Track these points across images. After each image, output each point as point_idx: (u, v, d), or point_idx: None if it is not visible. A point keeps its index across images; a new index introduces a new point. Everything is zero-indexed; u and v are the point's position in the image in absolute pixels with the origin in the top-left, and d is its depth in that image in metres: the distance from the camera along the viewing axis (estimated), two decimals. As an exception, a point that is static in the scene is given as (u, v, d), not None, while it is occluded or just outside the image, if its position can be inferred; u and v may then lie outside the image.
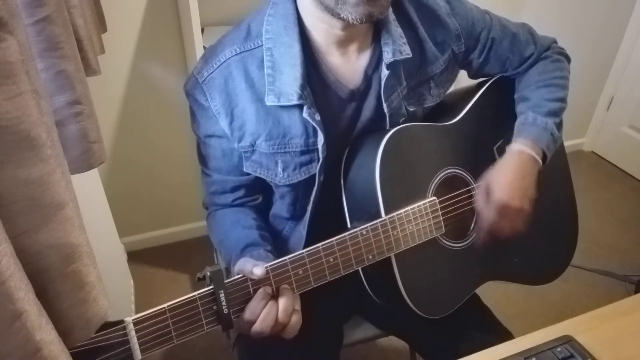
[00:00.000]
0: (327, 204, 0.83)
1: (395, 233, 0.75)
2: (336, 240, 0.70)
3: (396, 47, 0.78)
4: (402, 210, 0.75)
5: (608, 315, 0.73)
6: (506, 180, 0.81)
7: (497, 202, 0.80)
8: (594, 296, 1.75)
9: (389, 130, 0.79)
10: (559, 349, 0.66)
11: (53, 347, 0.39)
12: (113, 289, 1.38)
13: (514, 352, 0.67)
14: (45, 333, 0.39)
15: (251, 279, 0.65)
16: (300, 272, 0.68)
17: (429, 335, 0.91)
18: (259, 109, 0.77)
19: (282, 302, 0.66)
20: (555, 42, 0.98)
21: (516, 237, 0.82)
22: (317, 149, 0.78)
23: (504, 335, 0.87)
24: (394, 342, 1.20)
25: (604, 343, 0.68)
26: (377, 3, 0.68)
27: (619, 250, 1.96)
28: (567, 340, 0.68)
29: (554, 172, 0.98)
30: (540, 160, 0.85)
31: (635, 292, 1.73)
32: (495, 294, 1.01)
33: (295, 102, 0.74)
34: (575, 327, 0.71)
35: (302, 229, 0.85)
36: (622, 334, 0.70)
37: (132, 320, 0.59)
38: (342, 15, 0.68)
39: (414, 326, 0.92)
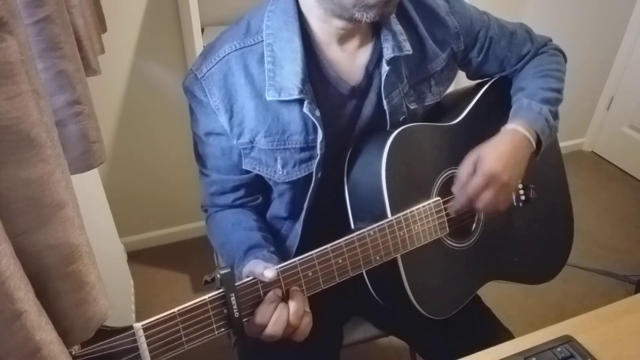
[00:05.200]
0: (324, 201, 0.83)
1: (401, 234, 0.75)
2: (344, 241, 0.70)
3: (396, 43, 0.79)
4: (407, 211, 0.75)
5: (608, 315, 0.73)
6: (499, 154, 0.80)
7: (487, 170, 0.78)
8: (594, 296, 1.75)
9: (393, 131, 0.79)
10: (559, 349, 0.66)
11: (53, 347, 0.39)
12: (113, 289, 1.38)
13: (514, 352, 0.67)
14: (45, 333, 0.39)
15: (261, 282, 0.65)
16: (310, 273, 0.68)
17: (429, 335, 0.91)
18: (259, 105, 0.77)
19: (293, 304, 0.65)
20: (551, 40, 0.98)
21: (493, 211, 0.81)
22: (316, 146, 0.78)
23: (504, 335, 0.87)
24: (394, 342, 1.20)
25: (604, 343, 0.68)
26: (390, 3, 0.69)
27: (619, 250, 1.96)
28: (567, 340, 0.68)
29: (550, 172, 0.99)
30: (533, 143, 0.84)
31: (635, 292, 1.73)
32: (496, 294, 1.01)
33: (295, 96, 0.74)
34: (575, 327, 0.71)
35: (298, 226, 0.85)
36: (622, 334, 0.70)
37: (142, 325, 0.57)
38: (355, 15, 0.69)
39: (414, 326, 0.92)
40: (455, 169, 0.85)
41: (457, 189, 0.81)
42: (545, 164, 0.94)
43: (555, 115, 0.89)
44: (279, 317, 0.64)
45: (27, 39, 0.42)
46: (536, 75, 0.92)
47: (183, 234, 1.97)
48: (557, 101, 0.90)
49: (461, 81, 1.00)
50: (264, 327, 0.64)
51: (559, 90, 0.91)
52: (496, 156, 0.79)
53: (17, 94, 0.37)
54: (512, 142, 0.82)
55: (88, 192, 1.28)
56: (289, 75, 0.74)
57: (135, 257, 1.87)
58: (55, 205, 0.42)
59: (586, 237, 2.00)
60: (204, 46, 1.37)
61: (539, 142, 0.85)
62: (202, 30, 1.44)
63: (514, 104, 0.90)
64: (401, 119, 0.84)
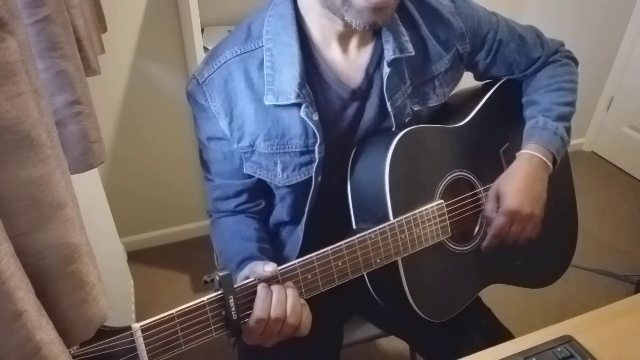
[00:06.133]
0: (325, 205, 0.83)
1: (403, 237, 0.74)
2: (345, 244, 0.70)
3: (397, 44, 0.78)
4: (410, 214, 0.75)
5: (608, 315, 0.73)
6: (517, 187, 0.81)
7: (507, 208, 0.80)
8: (594, 296, 1.75)
9: (398, 132, 0.78)
10: (559, 349, 0.66)
11: (53, 347, 0.39)
12: (113, 289, 1.37)
13: (514, 352, 0.67)
14: (45, 333, 0.38)
15: (261, 281, 0.65)
16: (309, 276, 0.68)
17: (429, 335, 0.91)
18: (258, 109, 0.77)
19: (290, 301, 0.65)
20: (563, 45, 0.97)
21: (526, 241, 0.83)
22: (315, 150, 0.78)
23: (504, 335, 0.87)
24: (394, 342, 1.21)
25: (604, 343, 0.68)
26: (382, 12, 0.68)
27: (619, 250, 1.96)
28: (567, 340, 0.68)
29: (556, 175, 0.98)
30: (550, 165, 0.84)
31: (635, 292, 1.73)
32: (496, 295, 1.01)
33: (293, 100, 0.74)
34: (575, 327, 0.71)
35: (300, 230, 0.85)
36: (622, 334, 0.70)
37: (140, 326, 0.57)
38: (345, 18, 0.69)
39: (414, 326, 0.92)
40: (460, 171, 0.85)
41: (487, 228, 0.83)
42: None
43: (569, 130, 0.89)
44: (278, 301, 0.63)
45: (27, 39, 0.42)
46: (550, 88, 0.91)
47: (183, 234, 1.97)
48: (571, 115, 0.90)
49: (467, 81, 0.98)
50: (266, 321, 0.64)
51: (572, 104, 0.91)
52: (516, 190, 0.80)
53: (17, 94, 0.37)
54: (530, 170, 0.83)
55: (88, 192, 1.28)
56: (287, 80, 0.74)
57: (135, 257, 1.87)
58: (55, 205, 0.42)
59: (586, 237, 2.00)
60: (204, 46, 1.38)
61: (554, 160, 0.86)
62: (202, 30, 1.44)
63: (528, 121, 0.89)
64: (406, 120, 0.84)
